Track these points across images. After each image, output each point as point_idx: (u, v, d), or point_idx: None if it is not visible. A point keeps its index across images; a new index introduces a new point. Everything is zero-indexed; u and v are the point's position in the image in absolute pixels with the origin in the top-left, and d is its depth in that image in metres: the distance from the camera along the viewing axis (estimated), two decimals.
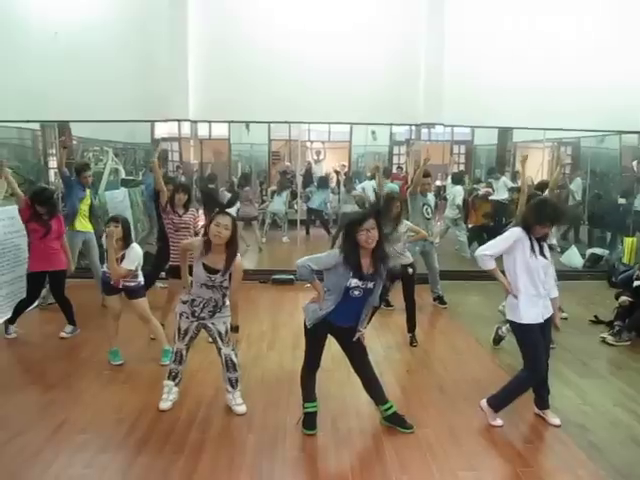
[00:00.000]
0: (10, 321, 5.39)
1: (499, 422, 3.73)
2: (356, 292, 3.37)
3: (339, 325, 3.50)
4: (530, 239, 3.58)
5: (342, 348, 3.68)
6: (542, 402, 3.86)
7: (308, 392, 3.67)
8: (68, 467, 3.18)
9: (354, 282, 3.33)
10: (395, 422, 3.65)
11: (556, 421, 3.76)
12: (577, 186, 10.54)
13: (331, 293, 3.42)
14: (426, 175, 6.48)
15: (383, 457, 3.33)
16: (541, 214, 3.55)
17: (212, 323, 3.82)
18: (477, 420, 3.79)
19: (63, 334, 5.33)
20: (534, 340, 3.64)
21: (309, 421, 3.61)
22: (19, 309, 5.43)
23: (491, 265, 3.65)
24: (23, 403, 3.99)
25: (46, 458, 3.26)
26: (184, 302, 3.83)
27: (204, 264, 3.66)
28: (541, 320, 3.65)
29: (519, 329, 3.69)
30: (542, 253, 3.63)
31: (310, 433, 3.56)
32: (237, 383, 3.91)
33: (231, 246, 3.65)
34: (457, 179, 10.08)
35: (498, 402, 3.74)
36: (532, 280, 3.61)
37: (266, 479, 3.11)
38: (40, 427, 3.62)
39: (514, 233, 3.61)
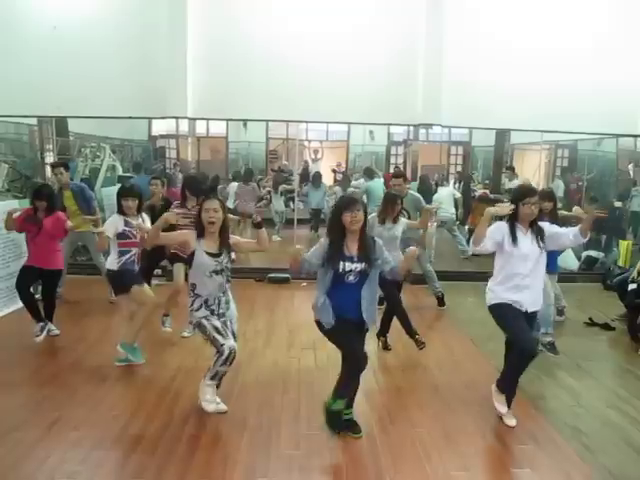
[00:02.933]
0: (39, 319, 5.06)
1: (505, 410, 3.72)
2: (351, 277, 3.36)
3: (348, 317, 3.42)
4: (512, 230, 3.63)
5: None
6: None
7: (342, 389, 3.48)
8: (62, 463, 3.18)
9: (347, 266, 3.34)
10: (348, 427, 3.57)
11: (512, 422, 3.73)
12: (556, 188, 10.56)
13: (325, 284, 3.40)
14: (395, 176, 6.06)
15: (377, 456, 3.34)
16: (516, 194, 3.72)
17: (230, 321, 3.84)
18: (471, 420, 3.80)
19: (56, 332, 5.25)
20: (510, 316, 3.66)
21: (336, 420, 3.51)
22: (29, 306, 5.09)
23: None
24: (17, 400, 3.97)
25: (40, 454, 3.26)
26: (197, 309, 3.73)
27: (206, 252, 3.67)
28: (511, 302, 3.66)
29: (493, 312, 3.75)
30: (541, 239, 3.65)
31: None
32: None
33: (224, 231, 3.71)
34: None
35: (505, 384, 3.74)
36: (510, 271, 3.65)
37: (260, 477, 3.11)
38: (34, 424, 3.61)
39: (497, 225, 3.72)
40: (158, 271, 6.27)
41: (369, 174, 10.10)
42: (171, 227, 5.27)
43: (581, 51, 7.58)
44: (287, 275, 7.55)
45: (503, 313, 3.70)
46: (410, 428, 3.67)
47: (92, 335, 5.32)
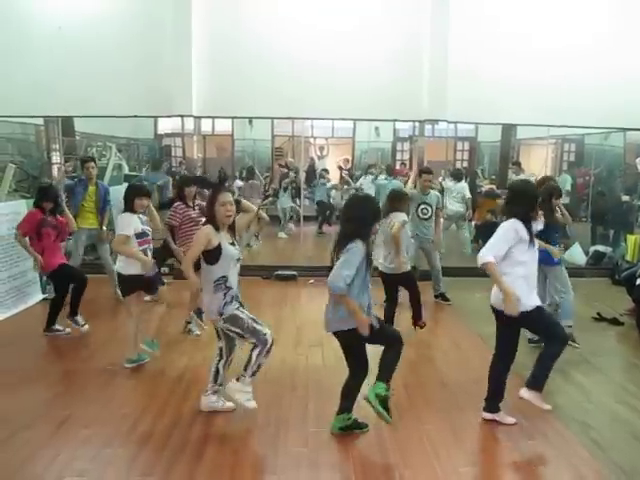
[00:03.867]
0: (51, 322, 5.22)
1: (547, 406, 3.63)
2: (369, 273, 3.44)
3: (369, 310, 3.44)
4: (527, 228, 3.50)
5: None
6: (496, 405, 3.74)
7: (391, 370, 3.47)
8: (72, 461, 3.20)
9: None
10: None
11: (510, 420, 3.67)
12: (563, 182, 10.49)
13: (362, 287, 3.34)
14: (427, 172, 6.36)
15: (386, 452, 3.35)
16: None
17: None
18: (479, 416, 3.78)
19: (68, 330, 5.30)
20: (548, 315, 3.80)
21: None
22: (56, 308, 5.26)
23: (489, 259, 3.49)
24: (27, 398, 4.00)
25: (50, 452, 3.28)
26: (230, 302, 3.57)
27: (228, 242, 3.59)
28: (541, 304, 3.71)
29: (532, 314, 3.51)
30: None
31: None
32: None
33: (233, 224, 3.63)
34: (457, 175, 9.90)
35: (538, 380, 3.60)
36: (530, 269, 3.57)
37: (268, 474, 3.13)
38: (44, 422, 3.64)
39: (513, 225, 3.49)
40: (165, 269, 6.29)
41: (389, 171, 10.30)
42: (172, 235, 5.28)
43: (588, 45, 7.53)
44: (294, 272, 7.57)
45: (541, 315, 3.62)
46: (418, 424, 3.67)
47: (101, 333, 5.35)
